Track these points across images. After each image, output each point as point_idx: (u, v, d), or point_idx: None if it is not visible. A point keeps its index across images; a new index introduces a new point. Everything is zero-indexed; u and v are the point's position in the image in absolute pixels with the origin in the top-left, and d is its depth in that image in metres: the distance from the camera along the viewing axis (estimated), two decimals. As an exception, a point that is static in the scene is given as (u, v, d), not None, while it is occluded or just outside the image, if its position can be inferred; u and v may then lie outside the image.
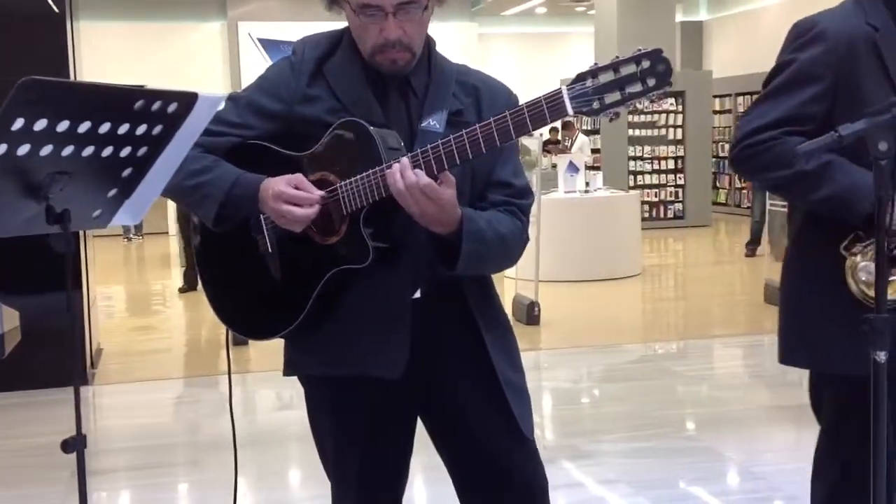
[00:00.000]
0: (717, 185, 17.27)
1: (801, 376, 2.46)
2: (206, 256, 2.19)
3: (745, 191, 16.50)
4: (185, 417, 5.76)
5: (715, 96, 16.34)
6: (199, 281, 2.26)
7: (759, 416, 5.31)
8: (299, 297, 1.99)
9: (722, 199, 17.27)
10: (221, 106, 1.97)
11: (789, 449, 4.67)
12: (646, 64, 1.70)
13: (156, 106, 1.71)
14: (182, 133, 1.81)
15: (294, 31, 17.27)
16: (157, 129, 1.76)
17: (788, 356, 2.32)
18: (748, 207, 14.96)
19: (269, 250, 2.04)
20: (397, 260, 1.96)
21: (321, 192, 1.93)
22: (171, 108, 1.74)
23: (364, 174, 1.89)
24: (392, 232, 1.94)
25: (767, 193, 9.27)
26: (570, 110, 1.72)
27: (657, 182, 15.51)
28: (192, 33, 17.38)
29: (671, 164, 15.52)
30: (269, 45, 16.84)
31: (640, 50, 1.71)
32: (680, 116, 15.42)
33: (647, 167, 15.49)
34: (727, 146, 17.41)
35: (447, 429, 2.11)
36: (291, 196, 1.91)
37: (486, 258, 1.98)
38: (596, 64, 1.73)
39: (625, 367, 6.64)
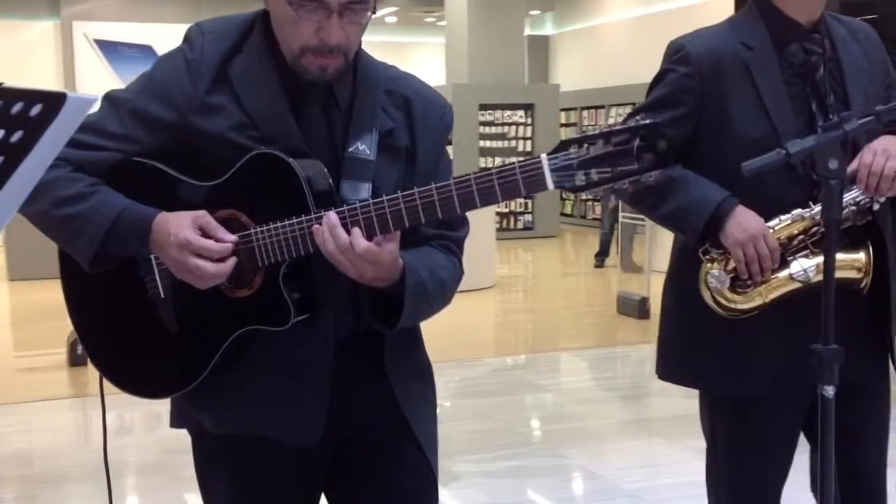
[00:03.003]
0: (563, 196, 17.57)
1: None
2: (77, 290, 1.80)
3: (590, 202, 16.87)
4: (16, 448, 5.29)
5: (562, 109, 16.66)
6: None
7: (623, 430, 5.33)
8: (198, 356, 1.69)
9: (568, 210, 17.61)
10: (94, 109, 1.66)
11: (661, 465, 4.69)
12: (643, 138, 1.45)
13: (16, 108, 1.45)
14: (45, 142, 1.56)
15: (132, 32, 16.71)
16: (17, 137, 1.50)
17: (664, 372, 2.32)
18: (594, 219, 15.32)
19: (161, 297, 1.70)
20: (318, 316, 1.68)
21: (233, 238, 1.60)
22: (35, 110, 1.49)
23: (287, 223, 1.58)
24: (313, 285, 1.66)
25: (620, 206, 9.43)
26: (550, 184, 1.46)
27: (507, 193, 15.63)
28: (21, 32, 16.42)
29: (520, 176, 15.67)
30: (105, 46, 16.13)
31: (637, 120, 1.46)
32: (529, 128, 15.64)
33: (498, 178, 15.57)
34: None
35: (354, 484, 1.84)
36: (201, 247, 1.57)
37: (427, 311, 1.73)
38: (584, 131, 1.49)
39: (484, 382, 6.55)
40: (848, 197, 2.01)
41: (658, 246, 9.62)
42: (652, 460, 4.78)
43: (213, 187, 1.64)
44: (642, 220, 8.86)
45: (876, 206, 2.06)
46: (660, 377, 2.33)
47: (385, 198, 1.54)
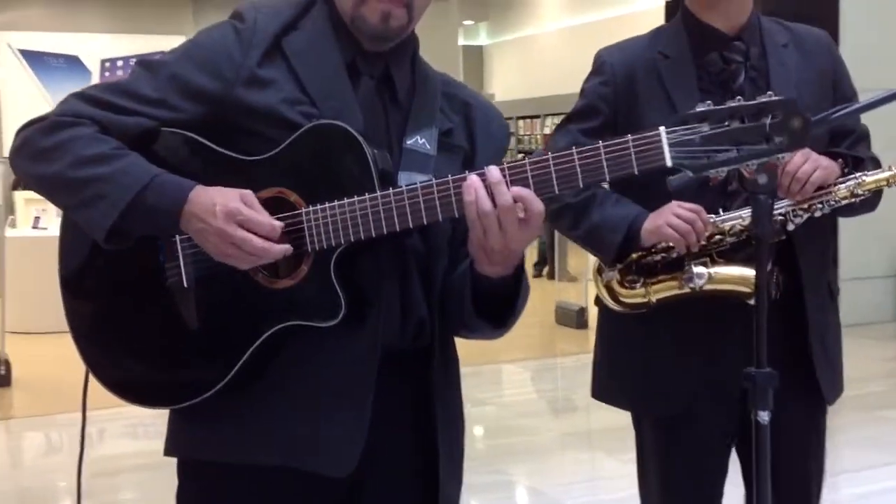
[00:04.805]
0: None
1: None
2: (79, 276, 1.56)
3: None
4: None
5: (497, 119, 16.65)
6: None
7: (565, 443, 5.25)
8: (221, 357, 1.47)
9: (505, 220, 17.60)
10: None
11: (604, 479, 4.63)
12: (776, 116, 1.33)
13: None
14: None
15: (62, 42, 16.37)
16: None
17: (595, 391, 2.31)
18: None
19: (185, 285, 1.48)
20: (363, 320, 1.47)
21: (280, 223, 1.42)
22: None
23: (348, 202, 1.41)
24: (363, 281, 1.48)
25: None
26: (668, 160, 1.33)
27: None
28: (-58, 42, 15.93)
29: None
30: (32, 57, 15.72)
31: (770, 95, 1.33)
32: (465, 139, 15.62)
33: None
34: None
35: None
36: (250, 219, 1.38)
37: (518, 314, 1.54)
38: (708, 103, 1.35)
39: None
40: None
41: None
42: (594, 474, 4.72)
43: (259, 161, 1.46)
44: (579, 229, 8.82)
45: (791, 227, 2.03)
46: (592, 396, 2.33)
47: (526, 160, 1.38)
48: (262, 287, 1.46)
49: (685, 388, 2.09)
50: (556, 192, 1.38)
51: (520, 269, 1.49)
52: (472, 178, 1.38)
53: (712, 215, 2.03)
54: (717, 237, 2.04)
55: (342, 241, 1.43)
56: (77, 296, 1.58)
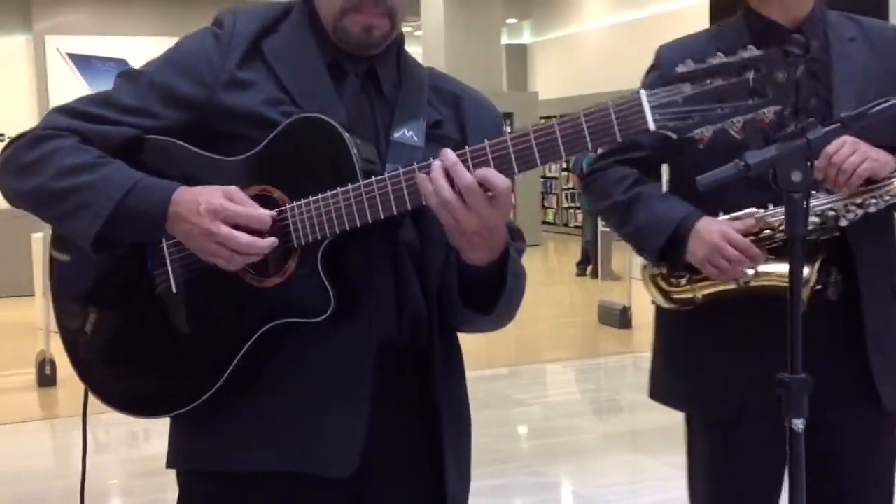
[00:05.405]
0: (545, 204, 17.53)
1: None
2: (69, 286, 1.57)
3: (571, 210, 16.80)
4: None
5: (541, 117, 16.57)
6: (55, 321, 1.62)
7: (606, 445, 5.20)
8: (213, 361, 1.45)
9: (550, 218, 17.53)
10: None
11: (645, 481, 4.57)
12: (760, 70, 1.29)
13: None
14: None
15: (106, 46, 16.57)
16: None
17: (650, 392, 2.25)
18: (576, 226, 15.22)
19: (173, 291, 1.48)
20: (356, 312, 1.46)
21: (270, 213, 1.40)
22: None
23: (332, 193, 1.39)
24: (352, 274, 1.46)
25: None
26: (650, 123, 1.29)
27: (487, 203, 15.54)
28: (-8, 47, 16.23)
29: (500, 185, 15.58)
30: (79, 60, 15.95)
31: (751, 50, 1.29)
32: (508, 137, 15.55)
33: (478, 188, 15.50)
34: (553, 166, 17.84)
35: None
36: (237, 214, 1.37)
37: (517, 296, 1.52)
38: (688, 61, 1.30)
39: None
40: (815, 205, 1.91)
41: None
42: (635, 476, 4.66)
43: (241, 161, 1.45)
44: (623, 228, 8.74)
45: (843, 223, 1.94)
46: (649, 396, 2.27)
47: (486, 143, 1.34)
48: (251, 287, 1.44)
49: (736, 392, 2.03)
50: (539, 164, 1.35)
51: (506, 253, 1.46)
52: (434, 164, 1.35)
53: (760, 210, 1.97)
54: (766, 233, 1.98)
55: (327, 234, 1.41)
56: (70, 312, 1.59)
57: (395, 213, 1.39)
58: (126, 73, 1.53)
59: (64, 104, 1.52)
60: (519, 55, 19.85)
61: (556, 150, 1.33)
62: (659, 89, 1.30)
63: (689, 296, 2.06)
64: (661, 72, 2.09)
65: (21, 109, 14.82)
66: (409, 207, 1.39)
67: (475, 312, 1.51)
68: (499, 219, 1.36)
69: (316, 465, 1.47)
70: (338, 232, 1.40)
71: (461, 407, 1.63)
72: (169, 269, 1.48)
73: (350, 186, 1.39)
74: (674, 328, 2.16)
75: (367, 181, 1.39)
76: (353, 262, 1.46)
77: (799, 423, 1.53)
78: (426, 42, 15.13)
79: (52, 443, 5.58)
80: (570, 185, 15.57)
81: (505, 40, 17.02)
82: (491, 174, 1.33)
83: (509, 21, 18.18)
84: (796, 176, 1.48)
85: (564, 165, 16.99)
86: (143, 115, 1.48)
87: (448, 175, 1.33)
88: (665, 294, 2.11)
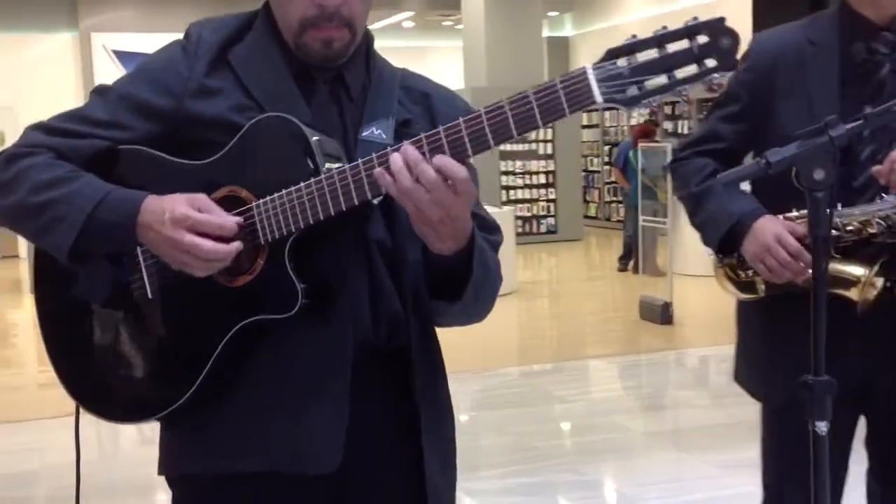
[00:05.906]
0: (587, 198, 17.43)
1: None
2: (49, 298, 1.62)
3: (613, 204, 16.68)
4: (28, 468, 5.17)
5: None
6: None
7: (647, 443, 5.15)
8: (189, 363, 1.48)
9: (592, 212, 17.43)
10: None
11: (686, 480, 4.52)
12: (703, 38, 1.28)
13: None
14: None
15: (152, 42, 16.74)
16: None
17: (735, 375, 2.32)
18: (618, 221, 15.12)
19: (149, 297, 1.51)
20: (330, 309, 1.48)
21: (237, 218, 1.44)
22: None
23: (294, 189, 1.41)
24: (322, 269, 1.47)
25: (640, 209, 9.22)
26: (598, 97, 1.29)
27: (529, 197, 15.48)
28: (40, 44, 16.43)
29: (542, 179, 15.52)
30: (125, 57, 16.12)
31: (695, 19, 1.30)
32: (550, 131, 15.42)
33: (519, 182, 15.45)
34: (596, 160, 17.72)
35: None
36: (199, 222, 1.39)
37: (488, 288, 1.54)
38: (634, 36, 1.30)
39: (502, 392, 6.36)
40: (878, 208, 1.92)
41: (680, 249, 9.44)
42: (679, 475, 4.61)
43: (208, 164, 1.49)
44: (664, 222, 8.67)
45: None
46: (733, 379, 2.35)
47: (440, 127, 1.36)
48: (223, 287, 1.47)
49: (790, 379, 2.03)
50: (492, 145, 1.35)
51: (472, 242, 1.47)
52: (393, 157, 1.36)
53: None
54: (834, 233, 1.95)
55: (292, 229, 1.43)
56: (51, 320, 1.63)
57: (357, 203, 1.40)
58: (98, 89, 1.59)
59: (40, 122, 1.57)
60: (560, 48, 19.72)
61: (507, 129, 1.33)
62: (605, 63, 1.30)
63: (753, 287, 2.11)
64: (747, 64, 2.13)
65: (68, 105, 14.82)
66: (369, 197, 1.40)
67: (443, 302, 1.54)
68: (462, 206, 1.38)
69: (298, 465, 1.50)
70: (302, 226, 1.43)
71: (442, 402, 1.66)
72: (144, 274, 1.52)
73: (312, 180, 1.41)
74: (748, 317, 2.23)
75: (328, 174, 1.41)
76: (324, 260, 1.48)
77: (822, 427, 1.51)
78: (467, 35, 15.09)
79: (99, 435, 5.60)
80: (612, 180, 15.45)
81: (546, 33, 16.93)
82: (447, 162, 1.34)
83: (550, 14, 18.08)
84: (818, 174, 1.45)
85: (607, 159, 16.88)
86: (114, 128, 1.53)
87: (409, 166, 1.35)
88: (733, 283, 2.17)
